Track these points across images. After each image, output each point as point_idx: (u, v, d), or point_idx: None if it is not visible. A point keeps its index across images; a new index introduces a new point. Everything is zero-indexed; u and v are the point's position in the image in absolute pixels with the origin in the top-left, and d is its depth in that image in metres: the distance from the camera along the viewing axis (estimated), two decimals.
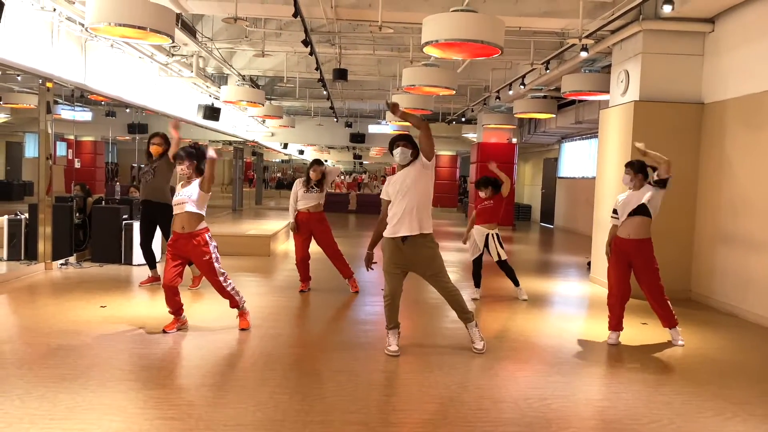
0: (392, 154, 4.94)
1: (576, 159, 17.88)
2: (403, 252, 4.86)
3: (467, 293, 7.18)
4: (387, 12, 7.68)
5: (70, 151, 9.38)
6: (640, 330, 6.08)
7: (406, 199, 4.82)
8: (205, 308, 6.37)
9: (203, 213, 5.30)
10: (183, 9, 7.95)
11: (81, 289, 7.06)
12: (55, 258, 8.22)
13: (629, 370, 4.88)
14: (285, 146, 24.83)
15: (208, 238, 5.28)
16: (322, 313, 6.70)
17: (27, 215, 8.39)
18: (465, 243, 7.42)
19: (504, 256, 7.19)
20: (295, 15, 7.22)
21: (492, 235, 7.14)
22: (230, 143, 20.23)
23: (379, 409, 3.93)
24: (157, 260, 7.68)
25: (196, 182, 5.28)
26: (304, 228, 7.32)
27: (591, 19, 7.77)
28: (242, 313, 5.53)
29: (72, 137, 9.71)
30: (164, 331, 5.28)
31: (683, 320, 6.66)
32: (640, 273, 5.54)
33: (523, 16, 7.88)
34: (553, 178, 19.81)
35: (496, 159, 8.09)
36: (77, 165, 9.59)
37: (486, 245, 7.18)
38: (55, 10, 7.42)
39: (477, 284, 7.38)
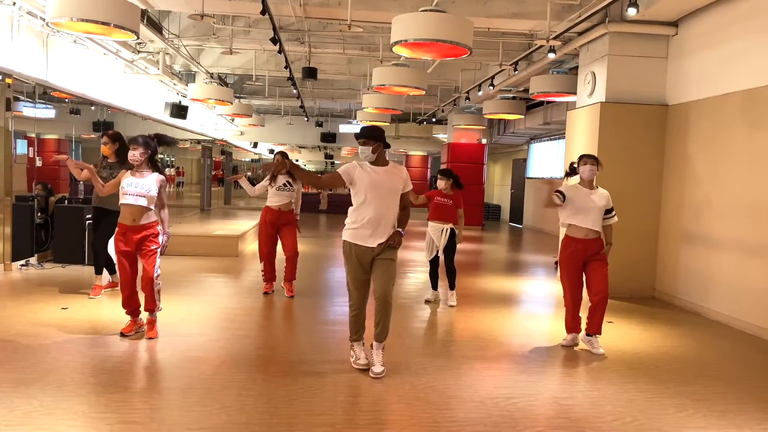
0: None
1: (544, 160, 18.08)
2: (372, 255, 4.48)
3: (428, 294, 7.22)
4: (356, 11, 7.65)
5: (31, 149, 9.15)
6: (606, 328, 6.14)
7: (384, 205, 4.50)
8: (169, 309, 6.26)
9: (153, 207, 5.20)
10: (149, 5, 7.82)
11: (42, 290, 6.88)
12: (15, 259, 8.00)
13: (594, 368, 4.94)
14: (255, 145, 24.62)
15: (159, 230, 5.22)
16: (290, 314, 6.64)
17: None
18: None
19: (434, 254, 6.82)
20: (263, 12, 7.14)
21: (445, 229, 6.75)
22: (198, 142, 19.97)
23: (345, 410, 3.91)
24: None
25: (153, 177, 5.14)
26: (271, 226, 7.05)
27: (558, 21, 7.86)
28: (153, 320, 5.23)
29: (33, 135, 9.46)
30: (122, 334, 5.18)
31: (648, 319, 6.79)
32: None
33: (491, 17, 7.93)
34: (522, 179, 20.00)
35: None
36: (39, 163, 9.35)
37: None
38: (14, 3, 7.23)
39: (434, 286, 7.09)
